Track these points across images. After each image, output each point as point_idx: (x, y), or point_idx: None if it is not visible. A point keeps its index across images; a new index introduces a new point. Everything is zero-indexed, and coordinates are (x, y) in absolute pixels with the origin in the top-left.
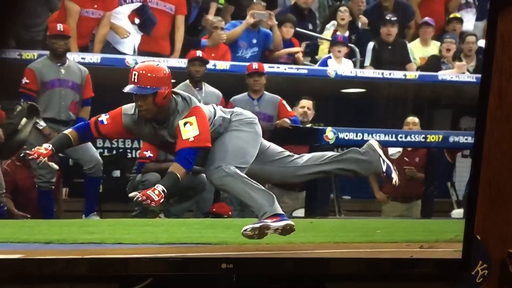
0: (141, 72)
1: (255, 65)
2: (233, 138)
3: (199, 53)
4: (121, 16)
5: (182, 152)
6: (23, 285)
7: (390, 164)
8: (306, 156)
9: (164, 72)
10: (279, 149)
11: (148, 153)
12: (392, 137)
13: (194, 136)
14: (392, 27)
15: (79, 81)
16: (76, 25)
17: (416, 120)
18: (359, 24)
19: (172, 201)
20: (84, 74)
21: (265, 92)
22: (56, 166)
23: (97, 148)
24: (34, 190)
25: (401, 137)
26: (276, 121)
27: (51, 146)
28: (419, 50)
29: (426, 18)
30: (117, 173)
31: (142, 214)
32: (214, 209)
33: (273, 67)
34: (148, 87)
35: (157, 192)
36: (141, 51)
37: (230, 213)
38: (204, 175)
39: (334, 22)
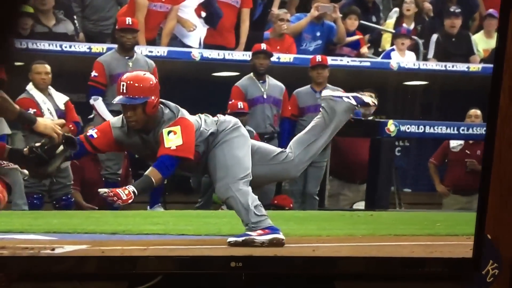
0: (129, 82)
1: (318, 57)
2: (225, 151)
3: (263, 46)
4: (188, 9)
5: (161, 158)
6: (34, 283)
7: (355, 94)
8: (293, 146)
9: (151, 82)
10: (270, 147)
11: None
12: (454, 130)
13: (177, 145)
14: (456, 19)
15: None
16: (144, 19)
17: (479, 112)
18: (425, 16)
19: None
20: (151, 67)
21: (327, 84)
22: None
23: None
24: (101, 183)
25: (463, 130)
26: None
27: None
28: (483, 42)
29: (491, 10)
30: None
31: (205, 206)
32: (276, 201)
33: (336, 59)
34: (137, 97)
35: (127, 192)
36: (207, 44)
37: (291, 205)
38: None
39: (396, 9)
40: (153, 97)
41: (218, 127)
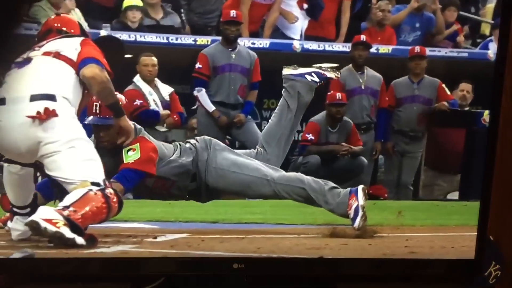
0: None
1: (417, 48)
2: (232, 166)
3: (363, 37)
4: (291, 2)
5: (121, 171)
6: (36, 284)
7: (317, 69)
8: (264, 142)
9: (121, 103)
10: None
11: (310, 136)
12: None
13: (135, 159)
14: None
15: (248, 66)
16: (248, 11)
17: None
18: None
19: None
20: (253, 59)
21: (425, 75)
22: None
23: (262, 131)
24: None
25: None
26: (435, 104)
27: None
28: None
29: None
30: None
31: None
32: (371, 191)
33: (434, 50)
34: (110, 117)
35: None
36: (308, 36)
37: (386, 195)
38: (363, 158)
39: None
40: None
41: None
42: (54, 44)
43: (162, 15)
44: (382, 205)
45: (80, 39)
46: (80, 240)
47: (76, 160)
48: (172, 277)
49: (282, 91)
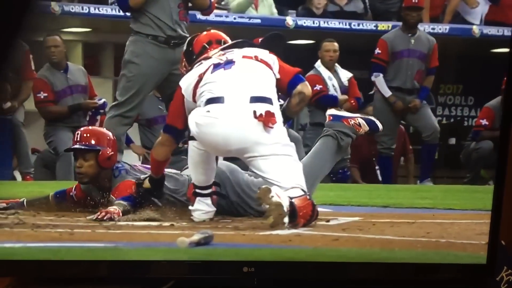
0: (84, 133)
1: None
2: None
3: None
4: None
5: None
6: (46, 287)
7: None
8: None
9: (108, 137)
10: None
11: (484, 121)
12: None
13: None
14: None
15: (426, 51)
16: None
17: None
18: None
19: None
20: (431, 44)
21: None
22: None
23: (436, 116)
24: (375, 158)
25: None
26: None
27: None
28: None
29: None
30: (452, 141)
31: (473, 181)
32: None
33: None
34: (90, 144)
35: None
36: (488, 21)
37: None
38: None
39: None
40: (107, 149)
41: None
42: (245, 50)
43: (346, 1)
44: None
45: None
46: (286, 219)
47: (291, 165)
48: (182, 280)
49: (328, 132)
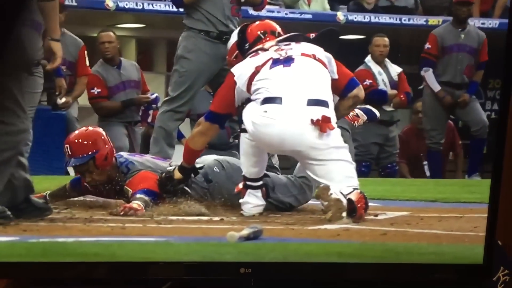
0: (71, 145)
1: None
2: None
3: None
4: None
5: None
6: None
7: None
8: None
9: (96, 135)
10: None
11: None
12: None
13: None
14: None
15: (476, 46)
16: None
17: None
18: None
19: None
20: (481, 39)
21: None
22: None
23: (485, 110)
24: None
25: None
26: None
27: None
28: None
29: None
30: None
31: None
32: None
33: None
34: (83, 155)
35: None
36: None
37: None
38: None
39: None
40: (101, 149)
41: None
42: (303, 46)
43: None
44: None
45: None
46: (344, 213)
47: (345, 169)
48: (179, 281)
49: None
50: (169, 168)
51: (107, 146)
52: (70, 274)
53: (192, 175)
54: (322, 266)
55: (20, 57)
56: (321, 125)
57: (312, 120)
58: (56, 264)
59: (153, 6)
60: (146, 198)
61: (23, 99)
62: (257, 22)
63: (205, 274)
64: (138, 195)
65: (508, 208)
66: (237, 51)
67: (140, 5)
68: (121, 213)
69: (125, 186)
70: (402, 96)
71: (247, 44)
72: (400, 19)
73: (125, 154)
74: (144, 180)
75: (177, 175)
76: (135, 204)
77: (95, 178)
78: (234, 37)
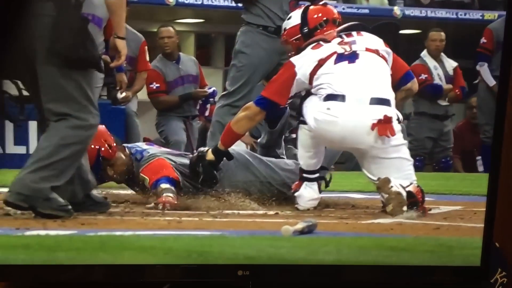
0: None
1: None
2: None
3: None
4: None
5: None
6: None
7: None
8: None
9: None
10: None
11: None
12: None
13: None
14: None
15: None
16: None
17: None
18: None
19: None
20: None
21: None
22: None
23: None
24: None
25: None
26: None
27: None
28: None
29: None
30: None
31: None
32: None
33: None
34: None
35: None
36: None
37: None
38: None
39: None
40: (103, 142)
41: None
42: (367, 40)
43: None
44: None
45: (381, 40)
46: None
47: (402, 167)
48: (177, 284)
49: None
50: (201, 149)
51: (104, 141)
52: (67, 277)
53: (225, 159)
54: (320, 268)
55: (91, 53)
56: (383, 127)
57: (373, 124)
58: (53, 267)
59: (212, 1)
60: (171, 187)
61: (93, 95)
62: (318, 6)
63: (202, 276)
64: (163, 185)
65: (505, 209)
66: (300, 35)
67: (199, 0)
68: (161, 208)
69: (141, 174)
70: (457, 90)
71: (306, 28)
72: (456, 14)
73: (140, 144)
74: (163, 167)
75: (210, 156)
76: (169, 197)
77: (119, 169)
78: (296, 19)
